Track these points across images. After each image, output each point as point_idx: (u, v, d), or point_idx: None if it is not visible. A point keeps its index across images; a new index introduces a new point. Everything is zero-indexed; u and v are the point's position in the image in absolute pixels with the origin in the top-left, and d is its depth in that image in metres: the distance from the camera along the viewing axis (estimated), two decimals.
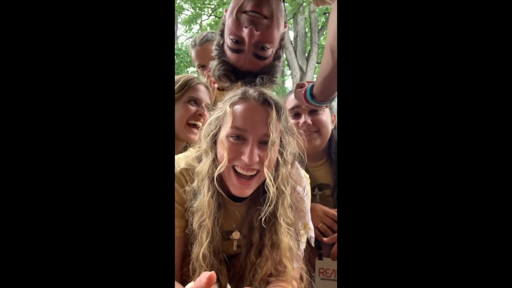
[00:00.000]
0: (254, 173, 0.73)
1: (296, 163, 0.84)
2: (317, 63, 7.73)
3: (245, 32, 0.84)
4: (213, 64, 0.95)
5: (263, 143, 0.73)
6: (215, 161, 0.75)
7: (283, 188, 0.75)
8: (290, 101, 1.12)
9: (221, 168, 0.72)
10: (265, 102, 0.74)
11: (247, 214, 0.81)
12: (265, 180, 0.74)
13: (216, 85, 1.42)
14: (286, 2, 1.00)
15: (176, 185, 0.80)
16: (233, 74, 0.92)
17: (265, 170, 0.71)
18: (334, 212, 1.05)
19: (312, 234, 0.86)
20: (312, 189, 1.16)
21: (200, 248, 0.73)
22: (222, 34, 0.93)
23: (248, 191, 0.75)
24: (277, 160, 0.75)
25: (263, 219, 0.73)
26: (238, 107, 0.74)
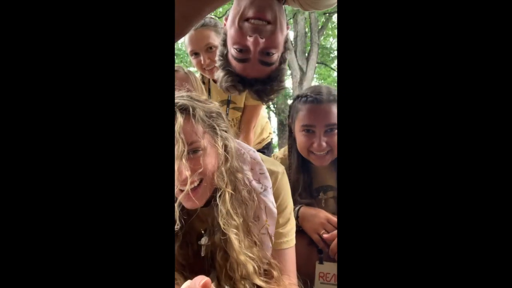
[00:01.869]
0: (196, 184, 0.72)
1: (257, 158, 0.82)
2: (317, 63, 7.74)
3: (249, 40, 0.82)
4: (219, 75, 0.93)
5: (191, 152, 0.71)
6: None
7: (221, 186, 0.73)
8: (304, 116, 1.07)
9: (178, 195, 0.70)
10: (181, 111, 0.71)
11: (209, 217, 0.79)
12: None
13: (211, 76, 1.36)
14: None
15: None
16: (240, 83, 0.91)
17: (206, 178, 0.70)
18: (336, 219, 1.03)
19: (271, 231, 0.83)
20: (317, 192, 1.15)
21: None
22: (224, 44, 0.91)
23: (199, 202, 0.73)
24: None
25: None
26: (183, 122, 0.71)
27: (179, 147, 0.68)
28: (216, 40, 1.30)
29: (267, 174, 0.83)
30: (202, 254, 0.80)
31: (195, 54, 1.33)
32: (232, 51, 0.87)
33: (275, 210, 0.81)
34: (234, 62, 0.89)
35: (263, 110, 1.68)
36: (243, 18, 0.83)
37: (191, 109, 0.72)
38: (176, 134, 0.68)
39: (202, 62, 1.32)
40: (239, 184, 0.76)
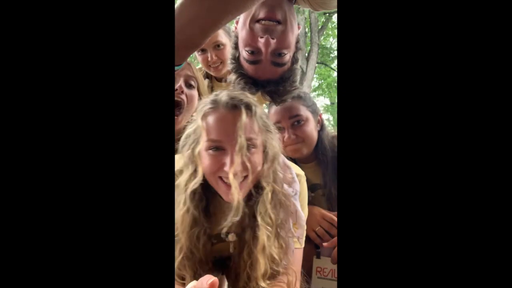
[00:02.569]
0: (241, 179, 0.72)
1: (287, 162, 0.83)
2: (317, 63, 7.72)
3: (261, 42, 0.82)
4: (232, 78, 0.93)
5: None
6: (195, 174, 0.74)
7: (264, 185, 0.73)
8: (271, 116, 1.12)
9: (194, 184, 0.71)
10: (234, 107, 0.72)
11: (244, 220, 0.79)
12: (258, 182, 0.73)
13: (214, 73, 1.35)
14: None
15: None
16: (253, 86, 0.90)
17: (250, 177, 0.70)
18: (331, 215, 1.05)
19: (299, 234, 0.85)
20: None
21: (175, 263, 0.72)
22: (236, 47, 0.91)
23: (241, 196, 0.73)
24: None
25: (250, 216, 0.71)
26: (210, 119, 0.72)
27: (241, 142, 0.68)
28: (224, 38, 1.29)
29: (296, 178, 0.85)
30: (231, 250, 0.81)
31: (202, 50, 1.32)
32: (243, 53, 0.87)
33: (303, 215, 0.83)
34: (246, 65, 0.88)
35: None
36: (254, 20, 0.83)
37: (253, 107, 0.73)
38: (239, 130, 0.69)
39: (209, 59, 1.31)
40: (280, 185, 0.77)
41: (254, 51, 0.85)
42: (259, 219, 0.72)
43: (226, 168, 0.69)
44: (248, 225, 0.76)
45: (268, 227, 0.73)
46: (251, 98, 0.76)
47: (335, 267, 1.00)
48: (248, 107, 0.73)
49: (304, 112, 1.11)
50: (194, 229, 0.74)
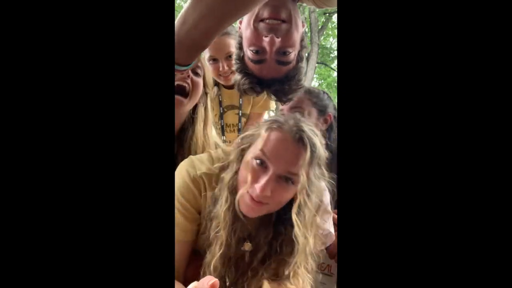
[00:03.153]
0: (264, 201, 0.72)
1: (328, 209, 0.85)
2: (317, 63, 7.73)
3: (265, 41, 0.82)
4: (236, 78, 0.93)
5: (283, 178, 0.71)
6: (236, 175, 0.76)
7: (307, 235, 0.74)
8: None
9: (243, 191, 0.72)
10: (300, 140, 0.71)
11: (256, 231, 0.81)
12: (277, 211, 0.75)
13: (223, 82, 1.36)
14: None
15: (194, 188, 0.79)
16: (258, 85, 0.90)
17: (294, 217, 0.72)
18: (333, 214, 1.05)
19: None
20: None
21: (212, 258, 0.74)
22: (240, 47, 0.91)
23: (254, 214, 0.74)
24: (302, 202, 0.75)
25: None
26: (273, 135, 0.73)
27: (280, 167, 0.70)
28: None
29: (326, 191, 0.85)
30: (246, 260, 0.82)
31: (214, 60, 1.33)
32: (248, 53, 0.87)
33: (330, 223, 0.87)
34: (251, 64, 0.88)
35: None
36: (258, 19, 0.83)
37: (317, 151, 0.73)
38: (301, 167, 0.70)
39: (221, 69, 1.32)
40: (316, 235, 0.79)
41: (259, 51, 0.84)
42: (301, 268, 0.75)
43: (257, 186, 0.69)
44: (262, 244, 0.79)
45: (309, 275, 0.77)
46: (318, 137, 0.76)
47: (332, 262, 1.01)
48: (314, 149, 0.73)
49: (307, 106, 1.10)
50: (234, 224, 0.76)
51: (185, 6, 0.71)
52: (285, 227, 0.77)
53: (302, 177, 0.70)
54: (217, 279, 0.51)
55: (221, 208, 0.74)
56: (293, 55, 0.87)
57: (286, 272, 0.76)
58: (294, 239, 0.74)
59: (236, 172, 0.76)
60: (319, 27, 7.73)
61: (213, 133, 1.07)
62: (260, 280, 0.77)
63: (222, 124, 1.49)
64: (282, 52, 0.84)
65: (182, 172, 0.82)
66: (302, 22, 0.90)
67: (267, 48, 0.82)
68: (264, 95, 1.00)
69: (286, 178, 0.71)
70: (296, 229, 0.72)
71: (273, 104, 1.55)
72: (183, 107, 0.97)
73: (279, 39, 0.81)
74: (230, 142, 1.53)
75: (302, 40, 0.90)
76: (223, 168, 0.79)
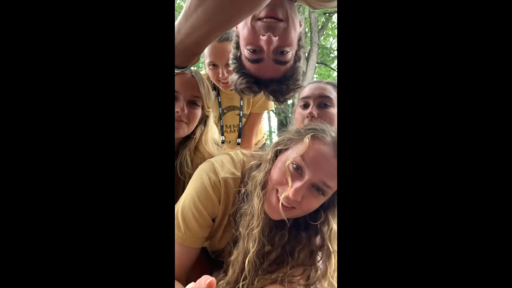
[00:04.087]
0: (291, 206, 0.73)
1: None
2: (317, 63, 7.74)
3: (262, 40, 0.81)
4: (234, 78, 0.92)
5: (315, 188, 0.72)
6: (268, 174, 0.77)
7: (331, 249, 0.76)
8: (304, 90, 1.12)
9: (285, 194, 0.72)
10: None
11: (270, 231, 0.81)
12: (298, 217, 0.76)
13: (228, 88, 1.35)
14: None
15: (213, 195, 0.80)
16: (255, 85, 0.90)
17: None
18: None
19: None
20: None
21: (246, 255, 0.75)
22: (237, 47, 0.90)
23: (277, 216, 0.75)
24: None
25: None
26: (316, 144, 0.74)
27: (316, 176, 0.71)
28: None
29: None
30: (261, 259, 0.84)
31: (214, 65, 1.31)
32: (245, 52, 0.86)
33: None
34: (248, 64, 0.87)
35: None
36: (255, 18, 0.82)
37: None
38: (324, 165, 0.72)
39: (220, 75, 1.30)
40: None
41: (256, 50, 0.84)
42: (325, 284, 0.76)
43: (289, 189, 0.70)
44: (276, 245, 0.80)
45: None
46: None
47: None
48: None
49: (336, 98, 1.09)
50: (266, 220, 0.77)
51: (179, 17, 0.72)
52: (309, 234, 0.79)
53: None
54: (214, 278, 0.51)
55: (255, 206, 0.75)
56: (290, 54, 0.86)
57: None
58: (329, 249, 0.75)
59: (268, 172, 0.77)
60: (319, 27, 7.73)
61: (215, 134, 1.08)
62: (268, 281, 0.77)
63: (222, 124, 1.49)
64: (280, 51, 0.84)
65: (202, 177, 0.82)
66: (300, 22, 0.90)
67: (265, 47, 0.82)
68: (263, 95, 1.00)
69: (318, 188, 0.72)
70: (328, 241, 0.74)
71: (272, 104, 1.54)
72: (176, 134, 0.98)
73: (277, 38, 0.81)
74: (230, 142, 1.52)
75: (299, 39, 0.90)
76: (257, 166, 0.80)
